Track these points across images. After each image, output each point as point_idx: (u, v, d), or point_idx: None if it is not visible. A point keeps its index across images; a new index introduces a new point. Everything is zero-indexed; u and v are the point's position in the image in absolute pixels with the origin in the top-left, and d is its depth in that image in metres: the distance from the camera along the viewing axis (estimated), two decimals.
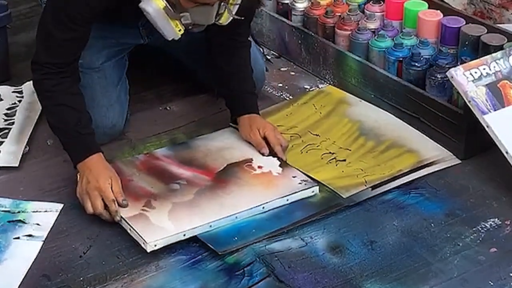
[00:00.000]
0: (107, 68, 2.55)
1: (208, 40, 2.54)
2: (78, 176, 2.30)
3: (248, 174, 2.38)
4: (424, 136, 2.54)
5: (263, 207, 2.27)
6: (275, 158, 2.45)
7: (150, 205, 2.26)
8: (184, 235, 2.18)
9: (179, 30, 2.24)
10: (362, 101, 2.73)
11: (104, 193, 2.23)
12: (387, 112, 2.65)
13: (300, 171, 2.41)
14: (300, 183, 2.35)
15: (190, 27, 2.23)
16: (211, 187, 2.33)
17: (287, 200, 2.30)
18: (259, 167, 2.42)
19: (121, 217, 2.22)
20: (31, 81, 2.41)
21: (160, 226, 2.19)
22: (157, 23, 2.22)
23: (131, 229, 2.19)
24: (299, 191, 2.32)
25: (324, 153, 2.51)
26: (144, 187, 2.32)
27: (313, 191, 2.33)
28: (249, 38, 2.59)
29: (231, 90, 2.55)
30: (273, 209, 2.28)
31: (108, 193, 2.23)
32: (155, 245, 2.15)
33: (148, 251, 2.14)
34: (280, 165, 2.42)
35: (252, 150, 2.48)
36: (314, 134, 2.60)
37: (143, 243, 2.15)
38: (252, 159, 2.44)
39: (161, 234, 2.16)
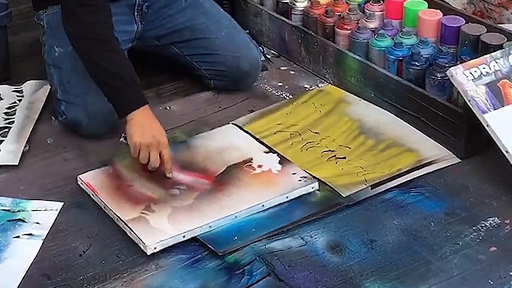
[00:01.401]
0: None
1: None
2: (130, 125, 2.33)
3: (248, 175, 2.38)
4: (424, 135, 2.54)
5: (263, 205, 2.27)
6: (275, 154, 2.45)
7: (149, 208, 2.26)
8: (184, 236, 2.18)
9: None
10: (362, 100, 2.73)
11: (165, 150, 2.33)
12: (387, 112, 2.65)
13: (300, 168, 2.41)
14: (299, 180, 2.35)
15: None
16: (211, 190, 2.33)
17: (287, 197, 2.30)
18: (258, 166, 2.42)
19: (121, 219, 2.22)
20: (76, 39, 2.43)
21: (159, 229, 2.19)
22: None
23: (131, 231, 2.19)
24: (298, 188, 2.32)
25: (324, 151, 2.52)
26: (144, 192, 2.32)
27: (312, 187, 2.34)
28: None
29: None
30: (273, 207, 2.29)
31: (168, 152, 2.35)
32: (155, 248, 2.15)
33: (148, 253, 2.14)
34: (279, 162, 2.42)
35: (251, 149, 2.48)
36: (314, 132, 2.60)
37: (143, 246, 2.15)
38: (251, 159, 2.44)
39: (161, 237, 2.16)
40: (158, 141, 2.33)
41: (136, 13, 2.67)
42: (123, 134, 2.39)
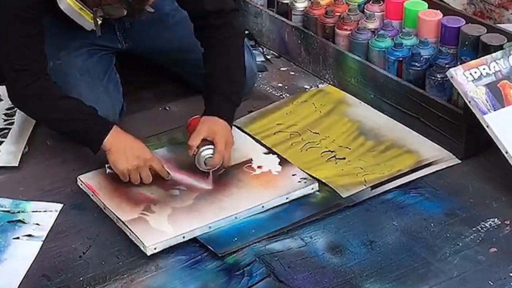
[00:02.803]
0: (90, 64, 2.55)
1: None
2: (110, 154, 2.29)
3: (248, 176, 2.38)
4: (424, 138, 2.54)
5: (263, 206, 2.27)
6: (275, 156, 2.45)
7: (149, 209, 2.26)
8: (184, 237, 2.18)
9: (97, 22, 2.27)
10: (362, 102, 2.73)
11: (153, 163, 2.31)
12: (387, 116, 2.65)
13: (300, 169, 2.40)
14: (299, 181, 2.35)
15: (107, 17, 2.27)
16: (211, 191, 2.32)
17: (287, 198, 2.30)
18: (258, 167, 2.42)
19: (120, 220, 2.22)
20: (15, 100, 2.41)
21: (159, 230, 2.19)
22: (71, 16, 2.29)
23: (131, 232, 2.19)
24: (298, 190, 2.32)
25: (324, 151, 2.52)
26: (144, 193, 2.32)
27: (312, 188, 2.34)
28: (232, 36, 2.48)
29: (204, 88, 2.48)
30: (273, 208, 2.29)
31: (158, 162, 2.33)
32: (155, 248, 2.14)
33: (148, 254, 2.14)
34: (279, 163, 2.42)
35: (251, 149, 2.48)
36: (313, 132, 2.60)
37: (143, 247, 2.15)
38: (251, 160, 2.44)
39: (160, 237, 2.16)
40: (144, 159, 2.30)
41: (118, 32, 2.60)
42: (106, 165, 2.35)
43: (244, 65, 2.49)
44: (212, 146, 2.32)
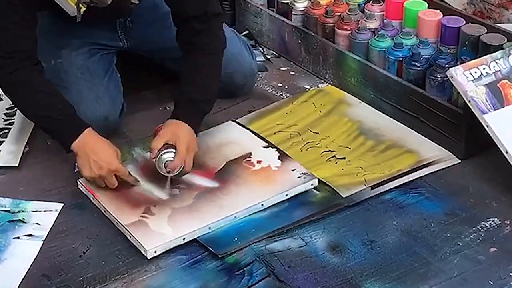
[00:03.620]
0: (91, 63, 2.55)
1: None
2: (78, 158, 2.29)
3: (247, 171, 2.38)
4: (424, 137, 2.54)
5: (262, 204, 2.27)
6: (274, 149, 2.45)
7: (149, 211, 2.25)
8: (184, 239, 2.18)
9: (80, 9, 2.24)
10: (362, 102, 2.73)
11: (120, 172, 2.29)
12: (387, 116, 2.65)
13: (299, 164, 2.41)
14: (299, 177, 2.35)
15: (91, 4, 2.25)
16: (211, 189, 2.32)
17: (286, 195, 2.30)
18: (258, 161, 2.42)
19: (121, 223, 2.22)
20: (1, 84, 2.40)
21: (159, 232, 2.19)
22: (55, 0, 2.25)
23: (131, 236, 2.19)
24: (298, 186, 2.32)
25: (324, 151, 2.52)
26: (144, 193, 2.32)
27: (312, 184, 2.33)
28: (213, 42, 2.45)
29: (174, 92, 2.48)
30: (272, 207, 2.29)
31: (124, 170, 2.30)
32: (155, 251, 2.15)
33: (149, 257, 2.14)
34: (279, 158, 2.42)
35: (250, 143, 2.49)
36: (313, 132, 2.60)
37: (143, 250, 2.15)
38: (251, 154, 2.44)
39: (161, 240, 2.16)
40: (107, 169, 2.27)
41: (119, 31, 2.60)
42: (76, 164, 2.34)
43: (219, 72, 2.46)
44: (174, 150, 2.29)
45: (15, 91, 2.37)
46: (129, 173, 2.33)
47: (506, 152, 2.29)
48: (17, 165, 2.49)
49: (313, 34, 2.89)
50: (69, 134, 2.31)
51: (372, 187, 2.36)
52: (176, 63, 2.62)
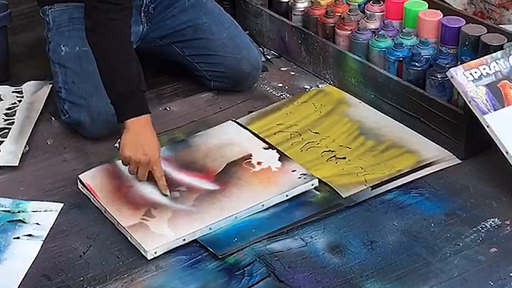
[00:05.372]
0: None
1: None
2: (126, 134, 2.28)
3: (247, 173, 2.38)
4: (424, 138, 2.54)
5: (263, 205, 2.27)
6: (274, 151, 2.45)
7: (150, 214, 2.25)
8: (184, 240, 2.18)
9: None
10: (362, 102, 2.73)
11: (156, 167, 2.29)
12: (387, 116, 2.65)
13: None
14: (299, 178, 2.35)
15: None
16: (211, 192, 2.32)
17: (287, 195, 2.30)
18: (258, 163, 2.42)
19: (121, 225, 2.22)
20: (90, 33, 2.35)
21: (159, 234, 2.18)
22: None
23: (131, 237, 2.19)
24: (298, 186, 2.32)
25: (324, 151, 2.52)
26: (144, 195, 2.32)
27: (312, 184, 2.33)
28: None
29: None
30: (273, 207, 2.29)
31: (160, 170, 2.30)
32: (155, 253, 2.14)
33: (149, 259, 2.14)
34: (279, 159, 2.42)
35: (250, 144, 2.48)
36: (314, 132, 2.60)
37: (143, 251, 2.15)
38: (251, 155, 2.44)
39: (161, 241, 2.16)
40: (149, 160, 2.28)
41: (142, 14, 2.69)
42: (118, 140, 2.36)
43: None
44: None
45: (103, 39, 2.34)
46: (163, 176, 2.31)
47: (507, 152, 2.29)
48: (17, 165, 2.49)
49: (313, 34, 2.89)
50: (133, 107, 2.31)
51: (373, 187, 2.35)
52: (184, 47, 2.74)
